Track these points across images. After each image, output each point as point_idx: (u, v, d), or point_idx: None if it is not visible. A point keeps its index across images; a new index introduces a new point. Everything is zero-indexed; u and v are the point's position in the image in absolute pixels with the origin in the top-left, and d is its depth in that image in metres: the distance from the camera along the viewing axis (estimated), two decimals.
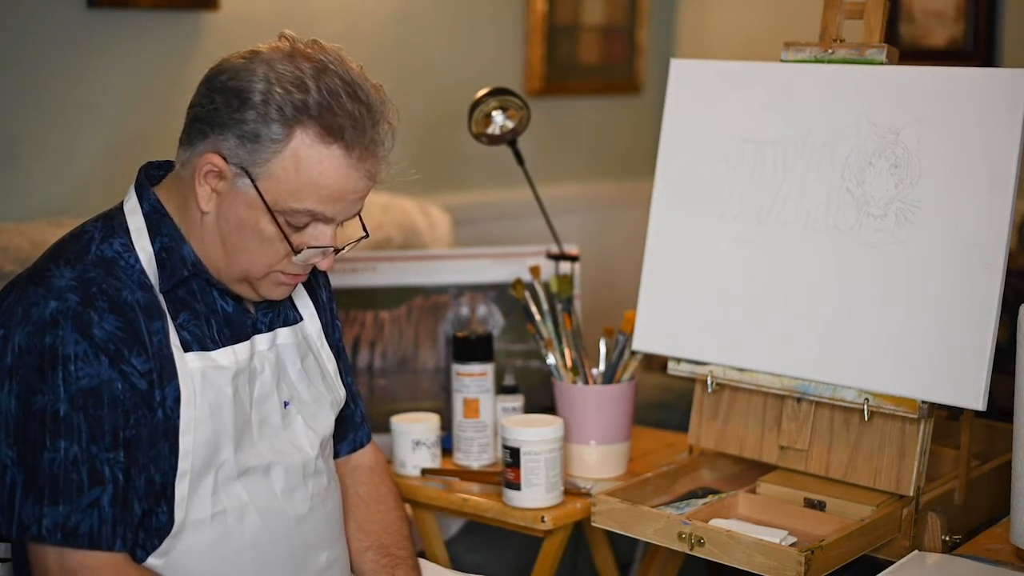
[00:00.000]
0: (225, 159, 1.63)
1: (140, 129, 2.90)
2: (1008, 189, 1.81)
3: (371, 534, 1.92)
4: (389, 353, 2.46)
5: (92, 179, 2.83)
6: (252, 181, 1.63)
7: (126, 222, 1.69)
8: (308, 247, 1.68)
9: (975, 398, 1.82)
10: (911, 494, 1.90)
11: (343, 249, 1.72)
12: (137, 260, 1.66)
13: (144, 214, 1.70)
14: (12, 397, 1.58)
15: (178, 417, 1.64)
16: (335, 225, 1.69)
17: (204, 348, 1.68)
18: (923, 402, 1.87)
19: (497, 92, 2.42)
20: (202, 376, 1.67)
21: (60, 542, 1.57)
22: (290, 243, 1.66)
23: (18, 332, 1.59)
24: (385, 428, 2.28)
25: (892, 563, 1.80)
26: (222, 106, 1.62)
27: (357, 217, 1.73)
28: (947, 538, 1.88)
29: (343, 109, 1.62)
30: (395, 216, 3.13)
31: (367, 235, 1.79)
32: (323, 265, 1.72)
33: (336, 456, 1.93)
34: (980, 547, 1.83)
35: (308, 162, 1.62)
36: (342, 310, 2.38)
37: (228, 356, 1.70)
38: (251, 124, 1.61)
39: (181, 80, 1.76)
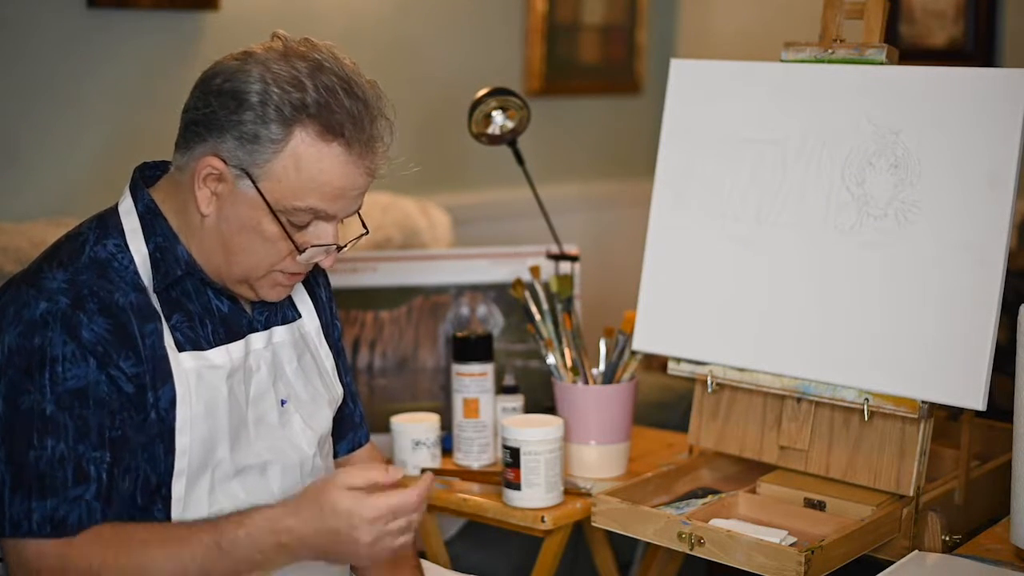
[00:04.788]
0: (225, 161, 1.63)
1: (140, 129, 2.90)
2: (1008, 189, 1.81)
3: None
4: (389, 353, 2.46)
5: (92, 179, 2.83)
6: (253, 182, 1.63)
7: (120, 223, 1.69)
8: (311, 246, 1.68)
9: (975, 398, 1.82)
10: (911, 494, 1.90)
11: (345, 247, 1.73)
12: (131, 261, 1.66)
13: (139, 214, 1.70)
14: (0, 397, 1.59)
15: (173, 418, 1.64)
16: (337, 222, 1.69)
17: (198, 348, 1.68)
18: (923, 402, 1.87)
19: (497, 92, 2.42)
20: (197, 376, 1.67)
21: (50, 534, 1.57)
22: (294, 242, 1.67)
23: (8, 332, 1.59)
24: (385, 428, 2.28)
25: (892, 563, 1.80)
26: (219, 109, 1.62)
27: (356, 214, 1.74)
28: (947, 538, 1.88)
29: (341, 106, 1.62)
30: (395, 216, 3.13)
31: (367, 231, 1.79)
32: (326, 263, 1.72)
33: (335, 456, 1.93)
34: (980, 547, 1.83)
35: (308, 160, 1.62)
36: (342, 310, 2.38)
37: (222, 355, 1.70)
38: (249, 125, 1.61)
39: (181, 80, 1.76)
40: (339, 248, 1.71)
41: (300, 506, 1.58)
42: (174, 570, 1.57)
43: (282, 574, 1.68)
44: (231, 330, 1.73)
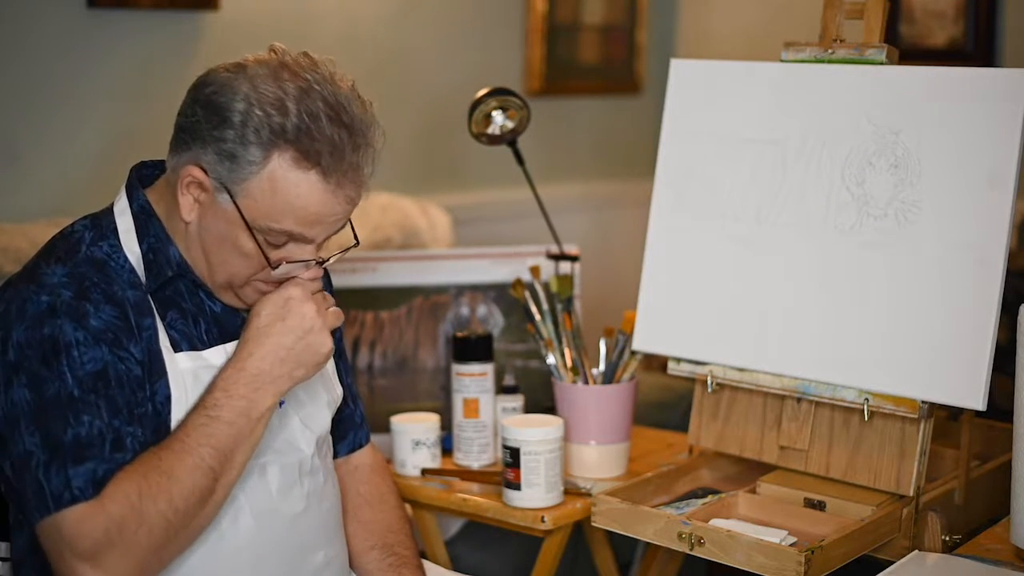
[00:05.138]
0: (206, 172, 1.63)
1: (140, 129, 2.90)
2: (1008, 189, 1.81)
3: (375, 533, 1.92)
4: (389, 353, 2.46)
5: (92, 179, 2.84)
6: (231, 197, 1.63)
7: (115, 223, 1.69)
8: (287, 262, 1.67)
9: (975, 398, 1.82)
10: (911, 494, 1.90)
11: (328, 260, 1.72)
12: (126, 260, 1.67)
13: (133, 214, 1.70)
14: (23, 388, 1.57)
15: (168, 414, 1.64)
16: (317, 244, 1.68)
17: (193, 348, 1.68)
18: (923, 402, 1.87)
19: (497, 92, 2.42)
20: (194, 376, 1.67)
21: (93, 495, 1.54)
22: (268, 259, 1.66)
23: (15, 330, 1.59)
24: (385, 428, 2.28)
25: (892, 563, 1.80)
26: (203, 120, 1.62)
27: (348, 225, 1.73)
28: (947, 538, 1.88)
29: (322, 134, 1.61)
30: (395, 216, 3.12)
31: (357, 243, 1.78)
32: (306, 276, 1.71)
33: (335, 456, 1.93)
34: (980, 547, 1.83)
35: (285, 185, 1.61)
36: (342, 310, 2.38)
37: (219, 355, 1.70)
38: (229, 143, 1.60)
39: (180, 80, 1.76)
40: (320, 263, 1.71)
41: (243, 338, 1.66)
42: (193, 463, 1.58)
43: (280, 553, 1.69)
44: (225, 330, 1.73)
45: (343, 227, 1.71)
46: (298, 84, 1.62)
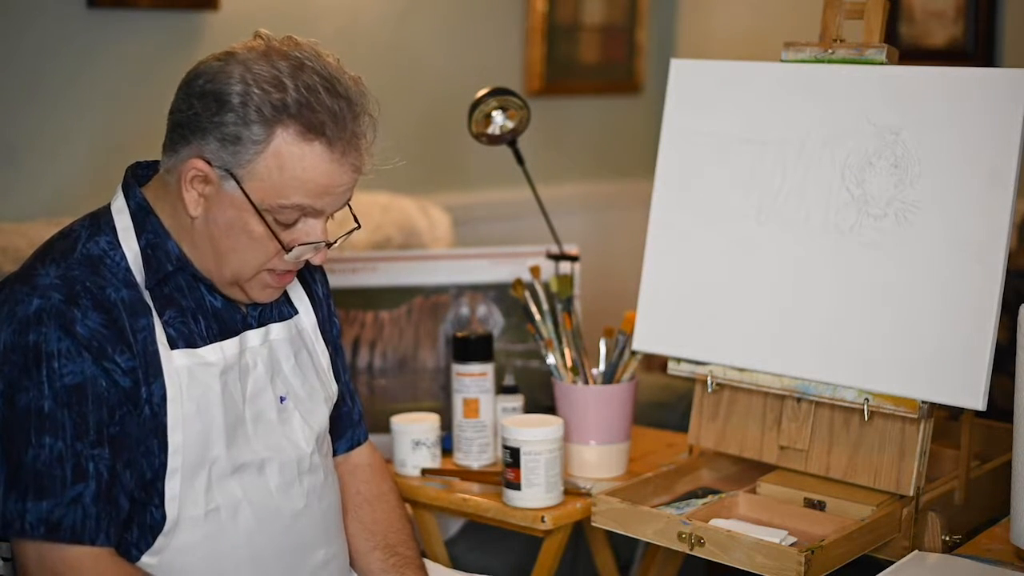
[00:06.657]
0: (209, 163, 1.63)
1: (139, 129, 2.90)
2: (1008, 189, 1.81)
3: (376, 533, 1.92)
4: (389, 353, 2.46)
5: (91, 179, 2.83)
6: (237, 183, 1.63)
7: (113, 220, 1.70)
8: (299, 244, 1.68)
9: (975, 398, 1.82)
10: (911, 494, 1.90)
11: (335, 243, 1.73)
12: (123, 258, 1.67)
13: (131, 212, 1.70)
14: None
15: (165, 414, 1.64)
16: (324, 219, 1.70)
17: (191, 345, 1.69)
18: (923, 402, 1.87)
19: (497, 92, 2.42)
20: (189, 373, 1.67)
21: (43, 536, 1.57)
22: (280, 241, 1.67)
23: (3, 330, 1.60)
24: (385, 428, 2.28)
25: (892, 563, 1.80)
26: (201, 110, 1.63)
27: (348, 209, 1.74)
28: (947, 538, 1.88)
29: (322, 105, 1.62)
30: (395, 216, 3.12)
31: (359, 226, 1.79)
32: (316, 260, 1.73)
33: (334, 454, 1.93)
34: (980, 547, 1.83)
35: (291, 160, 1.63)
36: (342, 310, 2.38)
37: (216, 352, 1.70)
38: (231, 127, 1.61)
39: (180, 80, 1.77)
40: (328, 245, 1.72)
41: None
42: None
43: (280, 552, 1.69)
44: (225, 326, 1.73)
45: (348, 200, 1.71)
46: (290, 62, 1.64)
